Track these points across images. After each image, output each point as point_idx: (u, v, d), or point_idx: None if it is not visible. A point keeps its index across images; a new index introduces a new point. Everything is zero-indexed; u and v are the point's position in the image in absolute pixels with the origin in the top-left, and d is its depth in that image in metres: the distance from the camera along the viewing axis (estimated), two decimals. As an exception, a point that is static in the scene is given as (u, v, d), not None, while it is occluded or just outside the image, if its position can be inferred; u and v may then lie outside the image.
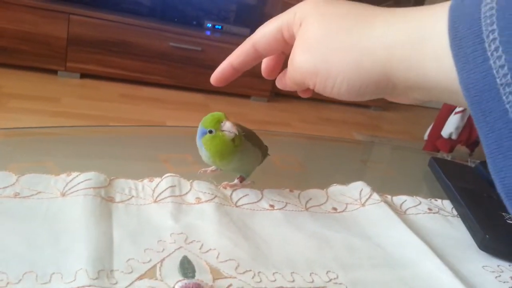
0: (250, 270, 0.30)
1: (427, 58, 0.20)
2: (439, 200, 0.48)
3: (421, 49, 0.20)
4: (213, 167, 0.42)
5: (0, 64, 1.96)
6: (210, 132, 0.36)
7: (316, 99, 2.67)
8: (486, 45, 0.17)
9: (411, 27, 0.21)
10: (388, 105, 2.96)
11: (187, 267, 0.29)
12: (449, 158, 0.68)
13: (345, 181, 0.46)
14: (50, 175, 0.35)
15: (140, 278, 0.27)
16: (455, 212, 0.46)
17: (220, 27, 2.39)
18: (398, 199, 0.46)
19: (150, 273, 0.28)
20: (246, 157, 0.39)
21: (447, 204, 0.48)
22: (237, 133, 0.35)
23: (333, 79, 0.23)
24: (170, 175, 0.38)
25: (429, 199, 0.48)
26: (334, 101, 2.73)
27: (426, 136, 1.98)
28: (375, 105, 2.89)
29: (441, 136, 1.87)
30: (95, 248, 0.28)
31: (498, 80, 0.16)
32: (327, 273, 0.32)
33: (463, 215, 0.45)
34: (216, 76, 0.31)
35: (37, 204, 0.32)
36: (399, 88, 0.22)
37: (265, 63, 0.31)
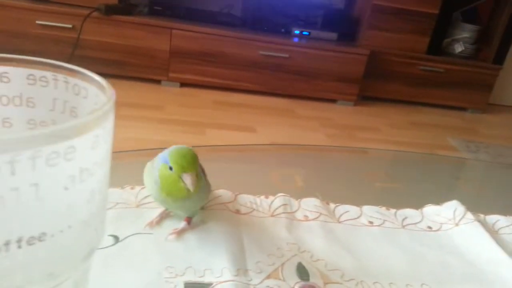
0: (354, 279, 0.36)
1: None
2: (536, 222, 0.49)
3: None
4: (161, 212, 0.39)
5: (112, 75, 2.23)
6: (170, 169, 0.33)
7: (406, 101, 2.60)
8: None
9: None
10: (487, 107, 2.76)
11: (302, 272, 0.36)
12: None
13: (438, 198, 0.50)
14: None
15: (268, 277, 0.35)
16: (553, 235, 0.47)
17: (307, 33, 2.45)
18: (491, 219, 0.48)
19: (274, 274, 0.35)
20: (197, 200, 0.37)
21: (544, 226, 0.49)
22: (193, 191, 0.34)
23: None
24: (282, 195, 0.45)
25: (525, 220, 0.49)
26: (425, 103, 2.63)
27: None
28: (473, 107, 2.72)
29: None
30: (232, 252, 0.36)
31: None
32: (421, 285, 0.37)
33: (561, 238, 0.46)
34: None
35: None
36: None
37: None
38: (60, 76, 0.21)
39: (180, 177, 0.33)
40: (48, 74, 0.21)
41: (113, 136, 0.18)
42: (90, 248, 0.19)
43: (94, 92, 0.19)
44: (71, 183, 0.15)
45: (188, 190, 0.34)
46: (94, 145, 0.16)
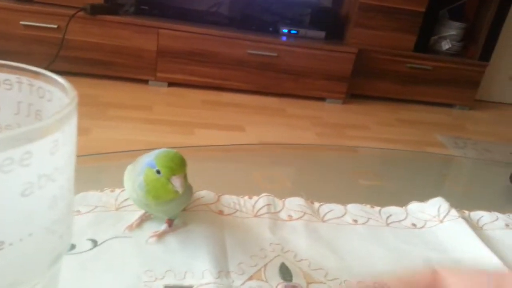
0: (337, 278, 0.36)
1: None
2: (519, 217, 0.49)
3: None
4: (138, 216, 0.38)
5: (99, 76, 2.20)
6: (158, 172, 0.33)
7: (394, 99, 2.61)
8: None
9: None
10: (475, 104, 2.78)
11: (285, 272, 0.36)
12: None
13: (424, 195, 0.50)
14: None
15: (250, 279, 0.34)
16: (535, 230, 0.47)
17: (295, 32, 2.45)
18: (476, 215, 0.48)
19: (257, 275, 0.35)
20: (180, 202, 0.38)
21: (527, 221, 0.49)
22: (181, 193, 0.34)
23: None
24: (266, 195, 0.45)
25: (507, 214, 0.49)
26: (413, 100, 2.65)
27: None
28: (460, 104, 2.74)
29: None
30: (214, 253, 0.36)
31: None
32: (405, 283, 0.36)
33: (544, 233, 0.46)
34: None
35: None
36: None
37: None
38: (24, 79, 0.20)
39: (169, 180, 0.33)
40: (12, 77, 0.20)
41: (76, 140, 0.17)
42: (56, 255, 0.18)
43: (58, 95, 0.19)
44: (29, 190, 0.15)
45: (177, 192, 0.34)
46: (53, 150, 0.15)
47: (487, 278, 0.17)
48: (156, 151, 0.35)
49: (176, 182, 0.33)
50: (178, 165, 0.34)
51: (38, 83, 0.20)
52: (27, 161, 0.14)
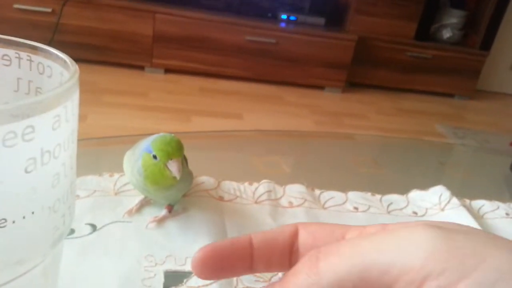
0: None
1: None
2: (519, 205, 0.49)
3: None
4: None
5: (94, 61, 2.17)
6: (155, 157, 0.33)
7: (394, 88, 2.60)
8: None
9: None
10: (475, 93, 2.76)
11: (286, 258, 0.35)
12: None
13: (424, 183, 0.49)
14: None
15: (251, 265, 0.34)
16: (536, 218, 0.47)
17: (295, 18, 2.42)
18: (476, 204, 0.48)
19: (258, 262, 0.34)
20: (180, 188, 0.37)
21: (528, 210, 0.49)
22: (178, 178, 0.33)
23: None
24: (266, 181, 0.44)
25: (507, 203, 0.49)
26: (413, 89, 2.64)
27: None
28: (460, 93, 2.72)
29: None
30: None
31: None
32: (406, 270, 0.36)
33: (544, 222, 0.46)
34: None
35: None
36: None
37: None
38: (23, 54, 0.19)
39: (165, 165, 0.33)
40: (11, 52, 0.20)
41: (77, 117, 0.16)
42: (58, 235, 0.17)
43: (59, 71, 0.18)
44: (32, 166, 0.14)
45: (174, 177, 0.33)
46: (55, 125, 0.14)
47: (333, 229, 0.19)
48: (154, 136, 0.34)
49: (173, 166, 0.32)
50: (174, 149, 0.33)
51: (37, 58, 0.19)
52: (29, 136, 0.14)
